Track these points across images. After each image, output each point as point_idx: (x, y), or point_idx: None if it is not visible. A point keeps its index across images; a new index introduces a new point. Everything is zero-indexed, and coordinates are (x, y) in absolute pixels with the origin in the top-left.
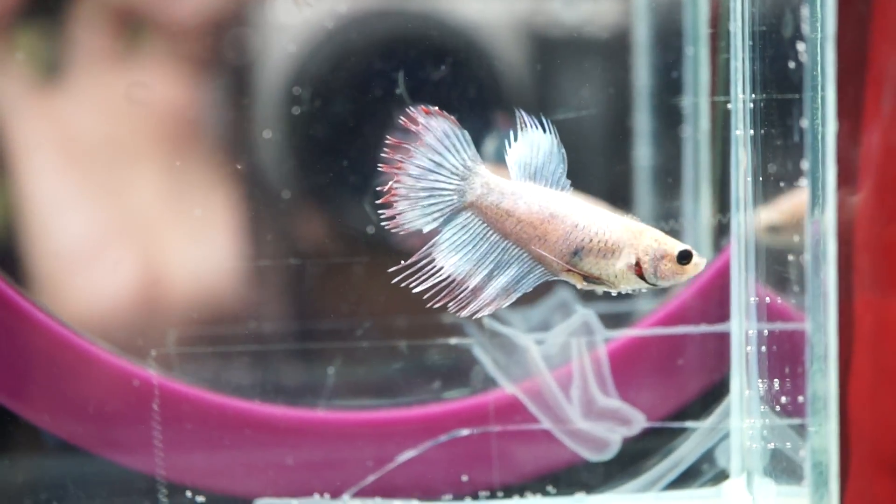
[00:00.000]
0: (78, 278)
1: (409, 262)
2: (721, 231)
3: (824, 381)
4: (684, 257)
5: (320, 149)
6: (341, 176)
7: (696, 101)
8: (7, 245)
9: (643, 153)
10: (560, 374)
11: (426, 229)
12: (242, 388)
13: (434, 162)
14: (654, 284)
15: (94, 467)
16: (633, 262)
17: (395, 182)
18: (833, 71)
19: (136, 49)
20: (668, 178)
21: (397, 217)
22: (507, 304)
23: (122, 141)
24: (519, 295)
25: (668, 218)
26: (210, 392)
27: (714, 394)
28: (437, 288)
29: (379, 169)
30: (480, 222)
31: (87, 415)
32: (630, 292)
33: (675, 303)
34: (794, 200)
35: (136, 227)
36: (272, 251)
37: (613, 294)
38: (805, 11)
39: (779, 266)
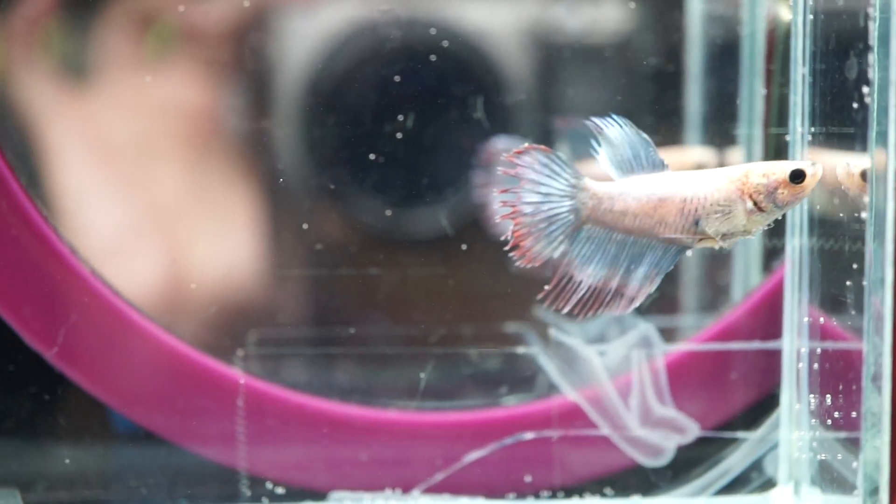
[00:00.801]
0: (106, 272)
1: (550, 286)
2: (772, 254)
3: (879, 398)
4: (797, 177)
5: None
6: (415, 184)
7: (751, 133)
8: None
9: None
10: (620, 383)
11: (557, 255)
12: (318, 387)
13: (542, 193)
14: (783, 212)
15: (181, 458)
16: (751, 205)
17: (515, 224)
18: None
19: (163, 53)
20: None
21: (528, 254)
22: (654, 288)
23: (149, 141)
24: (662, 277)
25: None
26: (291, 391)
27: (764, 406)
28: (584, 301)
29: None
30: (602, 229)
31: (176, 409)
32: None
33: (728, 319)
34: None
35: (163, 223)
36: (346, 259)
37: (754, 237)
38: (870, 56)
39: (834, 290)
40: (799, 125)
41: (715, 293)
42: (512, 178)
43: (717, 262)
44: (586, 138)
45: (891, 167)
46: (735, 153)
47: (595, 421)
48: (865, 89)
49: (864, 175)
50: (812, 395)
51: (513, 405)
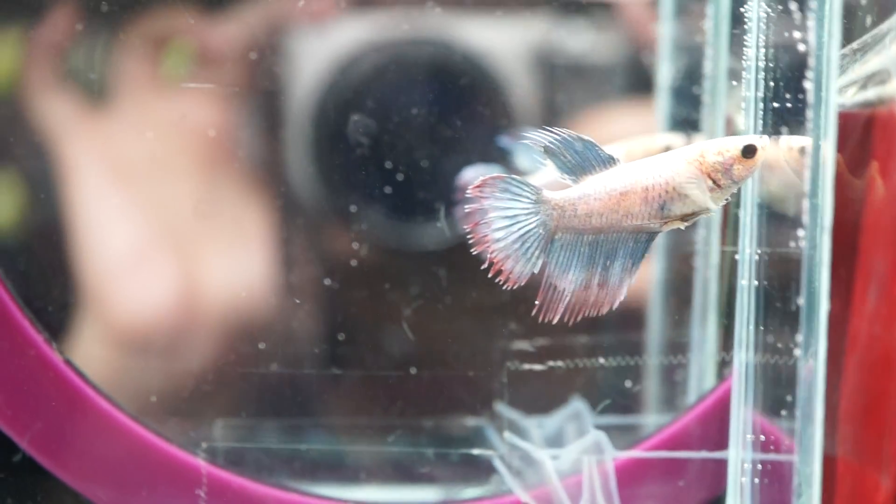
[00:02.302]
0: (123, 289)
1: (539, 300)
2: (725, 364)
3: None
4: (749, 151)
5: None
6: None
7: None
8: (56, 257)
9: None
10: (570, 484)
11: (536, 269)
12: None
13: (509, 217)
14: (738, 186)
15: None
16: (710, 183)
17: (491, 252)
18: (827, 257)
19: (179, 74)
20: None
21: (510, 276)
22: (634, 279)
23: (164, 161)
24: (638, 267)
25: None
26: (252, 481)
27: None
28: (571, 307)
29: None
30: (572, 235)
31: (139, 495)
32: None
33: (678, 425)
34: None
35: (177, 242)
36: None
37: (714, 213)
38: (804, 203)
39: (777, 403)
40: (748, 247)
41: (672, 392)
42: (480, 210)
43: (673, 369)
44: (527, 149)
45: (822, 307)
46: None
47: None
48: (801, 233)
49: (802, 151)
50: None
51: (467, 501)
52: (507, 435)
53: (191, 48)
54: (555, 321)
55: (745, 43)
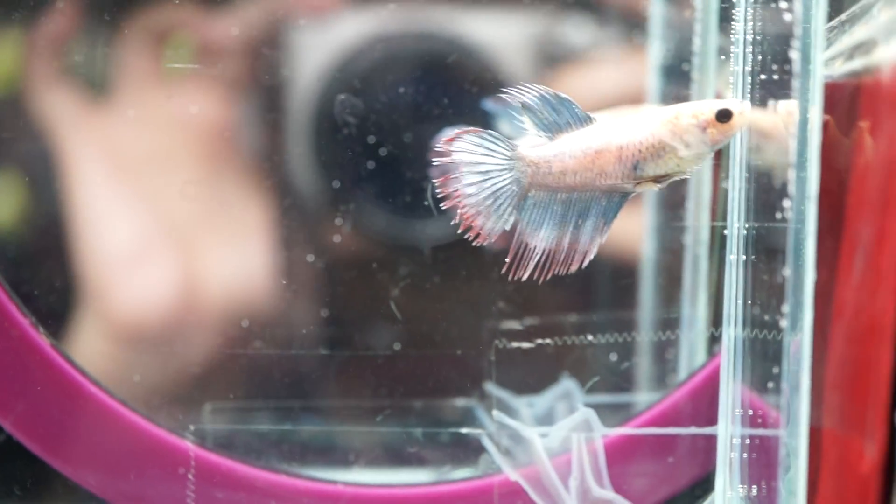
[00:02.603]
0: (124, 283)
1: (509, 258)
2: (715, 339)
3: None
4: (724, 115)
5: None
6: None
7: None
8: (57, 251)
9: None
10: (560, 463)
11: (508, 226)
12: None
13: (482, 172)
14: (713, 150)
15: None
16: (685, 145)
17: (462, 207)
18: (814, 227)
19: (177, 69)
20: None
21: (480, 232)
22: (605, 238)
23: (165, 154)
24: (610, 226)
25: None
26: (241, 463)
27: (703, 486)
28: (541, 264)
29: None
30: (546, 193)
31: (127, 478)
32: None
33: (668, 402)
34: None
35: (178, 236)
36: None
37: (689, 177)
38: (791, 173)
39: (765, 377)
40: (736, 220)
41: (662, 369)
42: (451, 164)
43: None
44: (509, 112)
45: (808, 277)
46: None
47: (535, 500)
48: (787, 203)
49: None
50: (742, 486)
51: (456, 481)
52: (496, 414)
53: (192, 41)
54: (524, 278)
55: (734, 17)
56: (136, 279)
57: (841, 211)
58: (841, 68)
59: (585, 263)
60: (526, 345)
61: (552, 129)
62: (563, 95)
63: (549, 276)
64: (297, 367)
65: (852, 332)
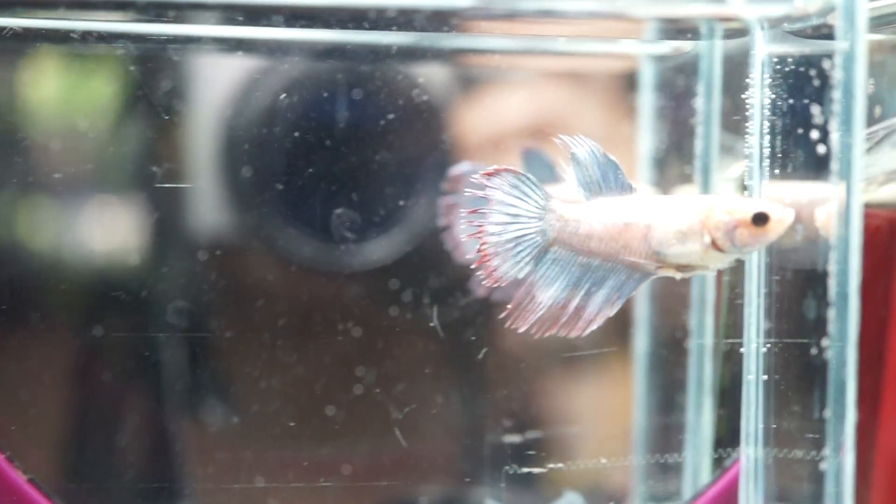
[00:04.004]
0: None
1: (512, 305)
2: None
3: None
4: (760, 219)
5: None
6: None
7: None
8: None
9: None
10: None
11: (521, 275)
12: None
13: (511, 214)
14: (743, 253)
15: None
16: (709, 241)
17: (482, 244)
18: (854, 367)
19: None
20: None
21: (493, 274)
22: (613, 312)
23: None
24: (622, 303)
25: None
26: None
27: None
28: (541, 321)
29: None
30: (568, 252)
31: None
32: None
33: None
34: None
35: None
36: None
37: (712, 274)
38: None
39: None
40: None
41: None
42: (481, 199)
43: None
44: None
45: (849, 416)
46: None
47: None
48: (825, 342)
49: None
50: None
51: None
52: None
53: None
54: (520, 330)
55: (748, 130)
56: None
57: (881, 349)
58: (877, 194)
59: (586, 332)
60: (538, 469)
61: (591, 188)
62: (612, 158)
63: (545, 334)
64: None
65: None
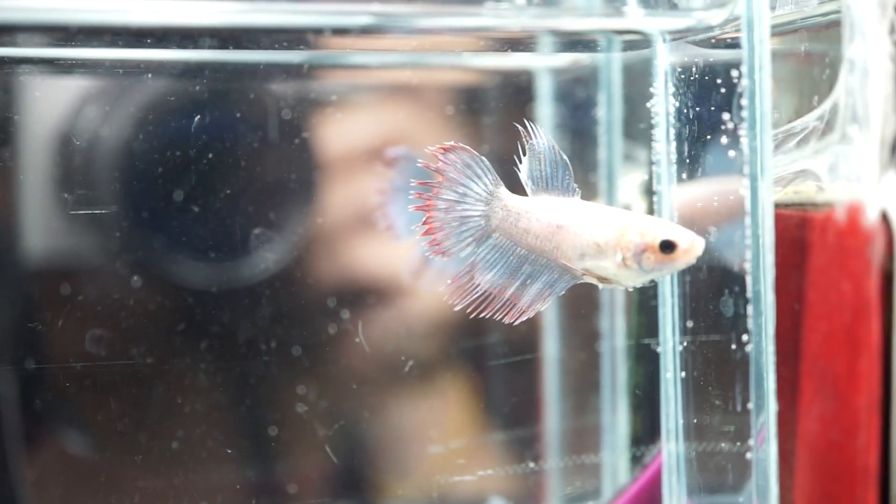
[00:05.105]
0: None
1: (451, 283)
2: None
3: None
4: (667, 247)
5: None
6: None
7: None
8: None
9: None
10: None
11: (463, 254)
12: None
13: (459, 193)
14: (655, 276)
15: None
16: (620, 259)
17: (429, 216)
18: (773, 361)
19: None
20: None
21: (438, 247)
22: (544, 307)
23: None
24: (553, 298)
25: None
26: None
27: None
28: (478, 302)
29: None
30: (509, 241)
31: None
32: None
33: None
34: None
35: None
36: None
37: (630, 290)
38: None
39: None
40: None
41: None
42: (424, 173)
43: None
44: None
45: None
46: None
47: None
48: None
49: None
50: None
51: None
52: None
53: None
54: (456, 308)
55: (655, 137)
56: None
57: (795, 342)
58: (783, 195)
59: (518, 321)
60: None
61: (538, 183)
62: (565, 158)
63: (480, 315)
64: None
65: (829, 469)
